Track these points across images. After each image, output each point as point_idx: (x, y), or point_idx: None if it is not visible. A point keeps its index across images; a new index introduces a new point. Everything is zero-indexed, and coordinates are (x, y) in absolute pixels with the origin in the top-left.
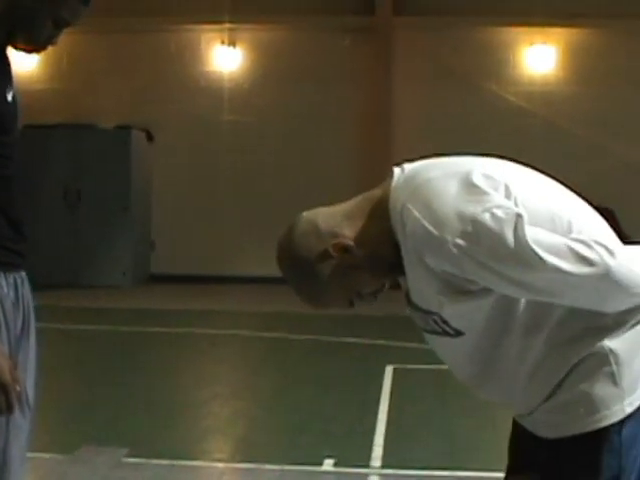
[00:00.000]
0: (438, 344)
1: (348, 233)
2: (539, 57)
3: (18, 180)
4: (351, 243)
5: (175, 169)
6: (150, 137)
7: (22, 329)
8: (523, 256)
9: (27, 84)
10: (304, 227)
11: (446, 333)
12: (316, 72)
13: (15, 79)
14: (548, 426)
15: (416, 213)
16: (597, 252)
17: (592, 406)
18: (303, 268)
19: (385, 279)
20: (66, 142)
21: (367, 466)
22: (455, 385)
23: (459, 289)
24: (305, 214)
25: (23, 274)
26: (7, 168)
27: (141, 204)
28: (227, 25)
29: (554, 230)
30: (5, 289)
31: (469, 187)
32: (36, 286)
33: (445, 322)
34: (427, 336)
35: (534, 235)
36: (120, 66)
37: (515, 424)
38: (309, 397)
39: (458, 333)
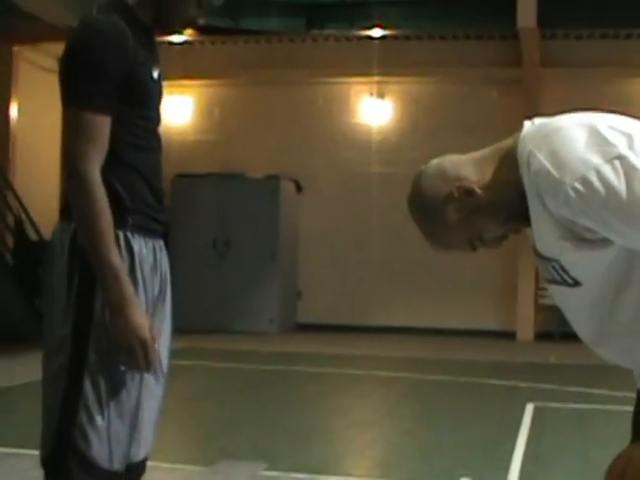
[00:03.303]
0: (559, 295)
1: (474, 178)
2: None
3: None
4: (474, 186)
5: (323, 220)
6: (299, 187)
7: (159, 295)
8: (634, 211)
9: (181, 135)
10: (433, 170)
11: (565, 282)
12: (464, 124)
13: (169, 130)
14: None
15: (541, 157)
16: None
17: None
18: (428, 209)
19: (507, 226)
20: (216, 191)
21: None
22: (595, 419)
23: (579, 236)
24: (436, 159)
25: (162, 243)
26: (151, 141)
27: (288, 253)
28: (376, 78)
29: None
30: (145, 252)
31: (595, 136)
32: (185, 330)
33: (564, 270)
34: (550, 287)
35: None
36: (270, 117)
37: (638, 395)
38: (448, 427)
39: (576, 283)
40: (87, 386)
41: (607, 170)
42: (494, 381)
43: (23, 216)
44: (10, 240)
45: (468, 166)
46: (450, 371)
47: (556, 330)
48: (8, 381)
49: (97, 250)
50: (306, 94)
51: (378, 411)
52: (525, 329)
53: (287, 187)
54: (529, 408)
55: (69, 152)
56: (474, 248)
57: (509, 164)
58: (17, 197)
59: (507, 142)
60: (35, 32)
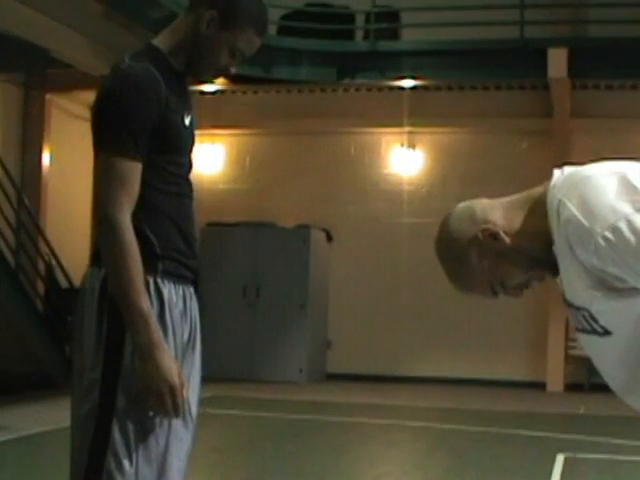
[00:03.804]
0: (589, 344)
1: (501, 222)
2: None
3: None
4: (500, 231)
5: (353, 270)
6: (329, 237)
7: (188, 341)
8: None
9: (212, 184)
10: (462, 212)
11: (594, 331)
12: (494, 174)
13: (200, 179)
14: None
15: (570, 206)
16: None
17: None
18: (453, 250)
19: (530, 274)
20: (247, 240)
21: None
22: (626, 471)
23: (609, 285)
24: (466, 202)
25: (192, 289)
26: (182, 187)
27: (318, 303)
28: (407, 128)
29: None
30: (174, 298)
31: (625, 185)
32: (214, 378)
33: (594, 319)
34: (580, 336)
35: None
36: (301, 167)
37: None
38: (477, 478)
39: (606, 332)
40: (115, 431)
41: (637, 219)
42: (524, 432)
43: (54, 263)
44: (41, 287)
45: (497, 211)
46: (480, 422)
47: (586, 381)
48: (38, 427)
49: (127, 295)
50: (337, 144)
51: (408, 461)
52: (555, 380)
53: (317, 237)
54: (559, 459)
55: (100, 198)
56: (495, 294)
57: (538, 212)
58: (48, 244)
59: (537, 190)
60: (68, 80)
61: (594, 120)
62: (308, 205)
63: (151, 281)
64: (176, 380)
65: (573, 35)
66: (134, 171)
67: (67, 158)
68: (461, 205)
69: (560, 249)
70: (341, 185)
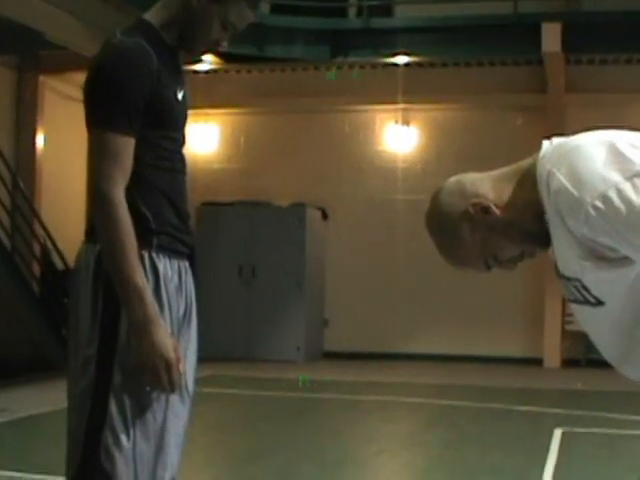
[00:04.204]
0: (582, 315)
1: (491, 196)
2: None
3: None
4: (491, 204)
5: (349, 247)
6: (325, 215)
7: (184, 316)
8: None
9: (207, 164)
10: (452, 187)
11: (587, 301)
12: (489, 151)
13: (195, 159)
14: None
15: (560, 176)
16: None
17: None
18: (444, 225)
19: (522, 247)
20: (242, 219)
21: None
22: (623, 445)
23: (600, 255)
24: (456, 176)
25: (187, 264)
26: (175, 162)
27: (315, 281)
28: (401, 105)
29: None
30: (169, 273)
31: (614, 154)
32: (211, 358)
33: (586, 289)
34: (573, 307)
35: None
36: (295, 145)
37: None
38: (476, 453)
39: (598, 302)
40: (112, 407)
41: (627, 188)
42: (522, 407)
43: (49, 245)
44: (36, 269)
45: (487, 184)
46: (477, 397)
47: (583, 357)
48: (35, 409)
49: (121, 270)
50: (331, 122)
51: (406, 437)
52: (552, 356)
53: (313, 215)
54: (557, 434)
55: (93, 173)
56: (488, 267)
57: (528, 184)
58: (43, 226)
59: (526, 162)
60: (61, 62)
61: (589, 95)
62: (303, 183)
63: (146, 256)
64: (172, 355)
65: (567, 9)
66: (127, 146)
67: (61, 140)
68: (451, 179)
69: (551, 220)
70: (336, 163)
